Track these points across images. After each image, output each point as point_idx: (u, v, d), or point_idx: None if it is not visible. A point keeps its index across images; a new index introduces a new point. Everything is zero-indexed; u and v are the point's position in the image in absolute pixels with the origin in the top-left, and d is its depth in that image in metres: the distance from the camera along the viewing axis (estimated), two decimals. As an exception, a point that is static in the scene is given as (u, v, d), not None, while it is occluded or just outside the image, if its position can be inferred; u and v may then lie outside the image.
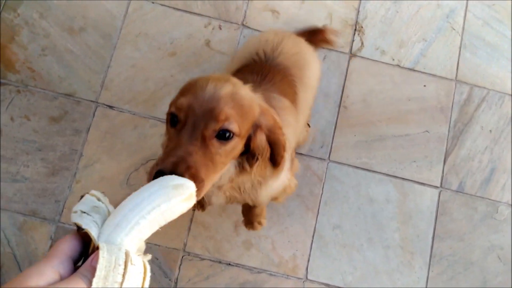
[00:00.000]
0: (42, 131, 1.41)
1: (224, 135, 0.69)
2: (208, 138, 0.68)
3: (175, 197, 0.51)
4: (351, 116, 1.51)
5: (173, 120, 0.70)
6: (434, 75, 1.57)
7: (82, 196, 0.51)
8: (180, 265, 1.34)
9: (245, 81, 0.79)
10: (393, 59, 1.57)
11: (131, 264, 0.44)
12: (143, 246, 0.52)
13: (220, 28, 1.53)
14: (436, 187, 1.47)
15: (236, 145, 0.72)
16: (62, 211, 1.36)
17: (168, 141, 0.72)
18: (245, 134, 0.74)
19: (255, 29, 1.54)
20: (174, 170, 0.62)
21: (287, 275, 1.36)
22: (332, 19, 1.60)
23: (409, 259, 1.40)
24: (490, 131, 1.54)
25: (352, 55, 1.57)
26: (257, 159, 0.78)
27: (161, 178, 0.56)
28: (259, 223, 1.32)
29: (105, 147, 1.40)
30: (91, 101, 1.44)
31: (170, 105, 0.73)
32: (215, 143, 0.69)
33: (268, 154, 0.79)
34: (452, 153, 1.51)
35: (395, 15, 1.62)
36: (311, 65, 1.16)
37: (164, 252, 1.34)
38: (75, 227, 0.48)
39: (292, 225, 1.40)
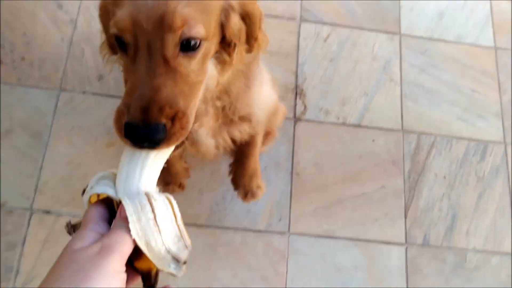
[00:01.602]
0: (-28, 249, 1.28)
1: (189, 45, 0.54)
2: (172, 59, 0.54)
3: None
4: (305, 182, 1.48)
5: (120, 43, 0.55)
6: (380, 128, 1.58)
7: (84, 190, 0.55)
8: None
9: None
10: (338, 118, 1.58)
11: (154, 200, 0.47)
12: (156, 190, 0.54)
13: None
14: (401, 244, 1.44)
15: (208, 49, 0.59)
16: (3, 338, 1.22)
17: (125, 73, 0.59)
18: (216, 29, 0.59)
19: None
20: (146, 119, 0.52)
21: None
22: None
23: (387, 326, 1.35)
24: (444, 177, 1.55)
25: (296, 119, 1.55)
26: (235, 45, 0.64)
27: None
28: (258, 187, 1.21)
29: (44, 258, 1.29)
30: (25, 208, 1.34)
31: (103, 23, 0.61)
32: (181, 60, 0.55)
33: (245, 34, 0.65)
34: (411, 206, 1.50)
35: (334, 74, 1.63)
36: None
37: None
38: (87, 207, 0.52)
39: (260, 310, 1.32)
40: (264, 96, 0.88)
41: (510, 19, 1.82)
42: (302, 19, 1.70)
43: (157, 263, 0.46)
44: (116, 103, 1.46)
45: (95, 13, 1.57)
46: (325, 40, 1.67)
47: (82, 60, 1.51)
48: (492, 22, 1.80)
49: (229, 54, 0.66)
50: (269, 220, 1.42)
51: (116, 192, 0.50)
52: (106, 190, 0.51)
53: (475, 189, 1.55)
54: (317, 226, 1.43)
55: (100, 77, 1.49)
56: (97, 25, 1.56)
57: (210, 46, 0.60)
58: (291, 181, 1.47)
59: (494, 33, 1.78)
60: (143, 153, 0.53)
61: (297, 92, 1.59)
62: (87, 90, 1.48)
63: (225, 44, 0.65)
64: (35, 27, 1.53)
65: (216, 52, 0.65)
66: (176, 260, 0.47)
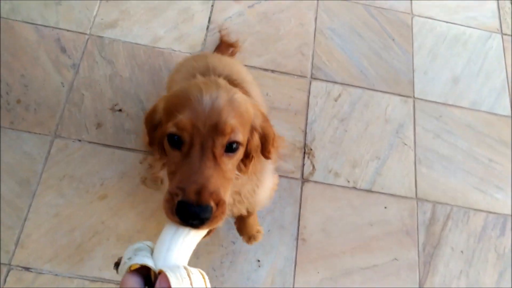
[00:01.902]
0: None
1: (231, 148, 0.68)
2: (218, 156, 0.67)
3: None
4: (311, 249, 1.37)
5: (173, 140, 0.67)
6: (393, 195, 1.49)
7: (117, 263, 0.58)
8: None
9: None
10: (348, 181, 1.49)
11: (192, 274, 0.52)
12: None
13: (157, 163, 1.40)
14: (416, 325, 1.31)
15: (241, 154, 0.73)
16: None
17: (172, 164, 0.69)
18: (246, 140, 0.74)
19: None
20: (199, 201, 0.61)
21: None
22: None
23: None
24: (462, 252, 1.44)
25: (304, 180, 1.47)
26: (252, 157, 0.78)
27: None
28: (258, 231, 1.32)
29: (17, 323, 1.16)
30: (2, 263, 1.22)
31: (156, 123, 0.74)
32: (224, 159, 0.68)
33: (259, 149, 0.80)
34: (426, 282, 1.38)
35: (344, 134, 1.57)
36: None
37: None
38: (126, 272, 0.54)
39: None
40: (267, 189, 1.01)
41: (526, 88, 1.78)
42: (313, 77, 1.65)
43: None
44: (114, 153, 1.40)
45: (99, 58, 1.53)
46: (336, 100, 1.62)
47: (81, 107, 1.45)
48: (509, 90, 1.76)
49: (245, 165, 0.79)
50: (270, 291, 1.30)
51: (155, 262, 0.54)
52: (146, 261, 0.54)
53: (495, 267, 1.44)
54: (323, 299, 1.31)
55: (99, 125, 1.42)
56: (100, 71, 1.52)
57: (242, 152, 0.73)
58: (296, 248, 1.36)
59: (511, 101, 1.74)
60: (185, 231, 0.60)
61: (306, 151, 1.52)
62: (83, 138, 1.40)
63: (244, 156, 0.77)
64: (35, 69, 1.48)
65: None
66: None
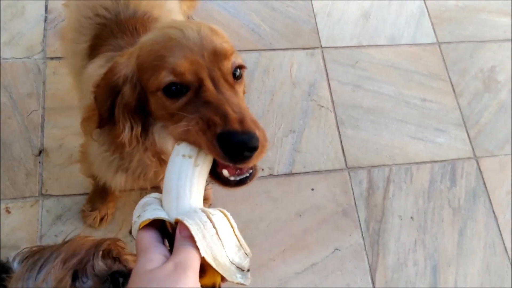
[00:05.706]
0: None
1: (236, 75, 0.64)
2: (233, 84, 0.63)
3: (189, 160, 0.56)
4: (232, 267, 1.16)
5: (170, 91, 0.63)
6: (319, 172, 1.30)
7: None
8: None
9: (116, 50, 0.78)
10: (262, 169, 1.28)
11: (213, 215, 0.49)
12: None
13: (9, 212, 1.14)
14: (375, 324, 1.14)
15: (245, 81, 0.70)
16: None
17: (167, 115, 0.65)
18: None
19: (61, 194, 1.17)
20: (245, 129, 0.56)
21: None
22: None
23: None
24: (412, 218, 1.28)
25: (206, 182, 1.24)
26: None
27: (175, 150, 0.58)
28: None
29: None
30: None
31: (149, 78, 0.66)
32: (237, 86, 0.64)
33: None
34: (378, 267, 1.22)
35: (246, 113, 1.34)
36: None
37: None
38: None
39: None
40: None
41: (447, 5, 1.61)
42: (196, 51, 1.41)
43: (225, 275, 0.48)
44: None
45: None
46: (228, 72, 1.39)
47: None
48: (428, 13, 1.58)
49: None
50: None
51: (167, 213, 0.52)
52: (158, 214, 0.51)
53: (453, 226, 1.28)
54: (259, 326, 1.11)
55: None
56: None
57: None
58: (214, 270, 1.15)
59: (432, 25, 1.56)
60: (189, 172, 0.55)
61: (202, 146, 1.29)
62: None
63: None
64: None
65: None
66: (240, 269, 0.49)
